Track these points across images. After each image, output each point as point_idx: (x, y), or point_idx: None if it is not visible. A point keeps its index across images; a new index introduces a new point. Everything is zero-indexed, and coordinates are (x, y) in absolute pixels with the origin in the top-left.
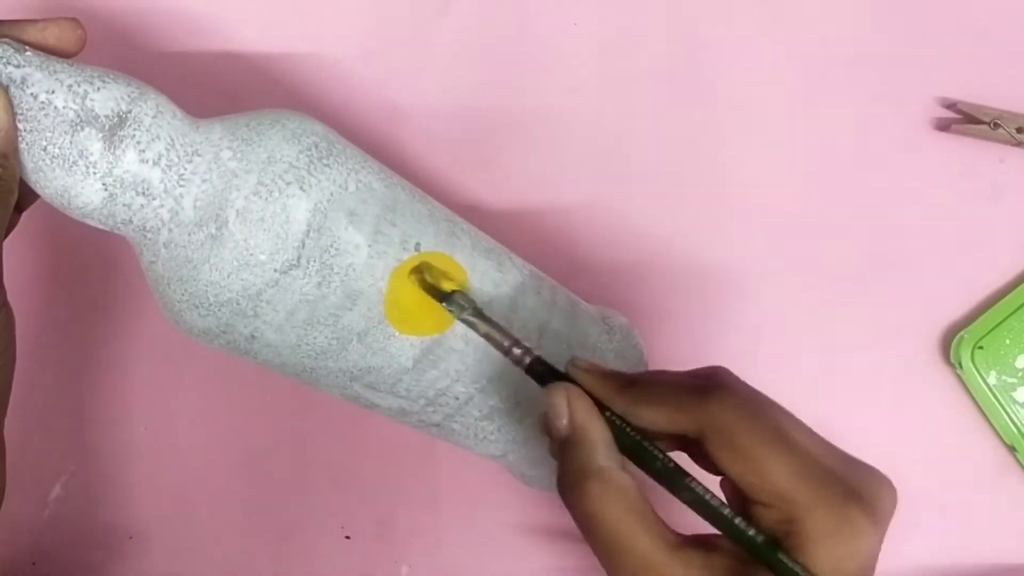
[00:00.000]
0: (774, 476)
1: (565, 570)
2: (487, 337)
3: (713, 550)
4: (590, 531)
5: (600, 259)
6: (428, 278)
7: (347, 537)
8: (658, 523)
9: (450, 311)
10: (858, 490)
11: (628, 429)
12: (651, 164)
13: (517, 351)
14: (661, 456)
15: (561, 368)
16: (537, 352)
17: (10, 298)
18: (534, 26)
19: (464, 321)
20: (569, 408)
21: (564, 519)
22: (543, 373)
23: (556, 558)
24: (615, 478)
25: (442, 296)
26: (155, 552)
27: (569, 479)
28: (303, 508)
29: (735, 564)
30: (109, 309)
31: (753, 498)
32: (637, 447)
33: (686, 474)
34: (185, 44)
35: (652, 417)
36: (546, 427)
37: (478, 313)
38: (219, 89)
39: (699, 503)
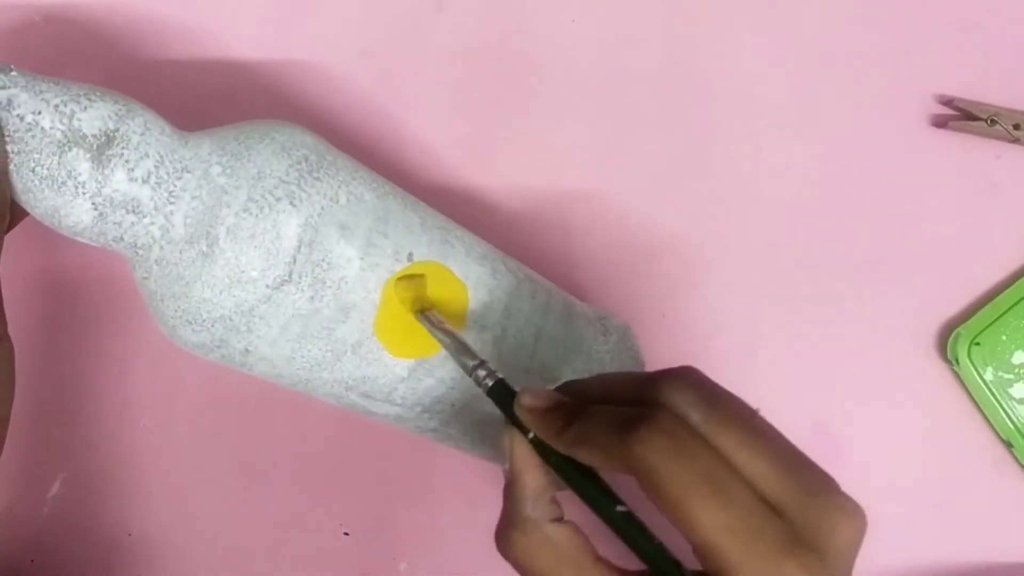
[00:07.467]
0: (701, 530)
1: None
2: (455, 356)
3: None
4: None
5: (598, 258)
6: (406, 291)
7: (346, 534)
8: (599, 570)
9: (421, 324)
10: (802, 537)
11: (574, 473)
12: (649, 162)
13: (482, 373)
14: (607, 501)
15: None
16: (500, 375)
17: (8, 297)
18: (532, 23)
19: (435, 336)
20: (510, 454)
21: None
22: (503, 398)
23: None
24: (543, 529)
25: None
26: (154, 549)
27: (499, 526)
28: (302, 505)
29: None
30: (107, 306)
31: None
32: (582, 491)
33: (631, 518)
34: (178, 51)
35: (589, 460)
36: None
37: (447, 332)
38: (214, 95)
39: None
